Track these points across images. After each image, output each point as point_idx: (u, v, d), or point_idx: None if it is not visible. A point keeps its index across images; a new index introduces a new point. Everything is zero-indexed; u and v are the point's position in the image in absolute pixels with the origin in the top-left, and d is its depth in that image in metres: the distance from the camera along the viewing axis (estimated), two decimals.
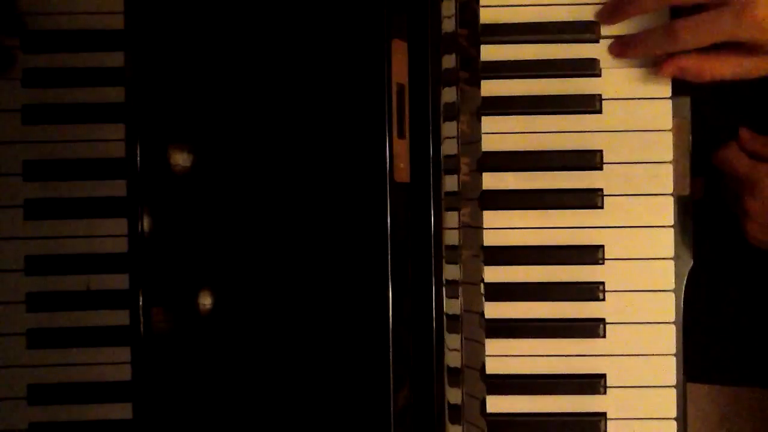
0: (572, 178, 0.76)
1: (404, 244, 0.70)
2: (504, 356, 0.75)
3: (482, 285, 0.75)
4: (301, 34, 0.69)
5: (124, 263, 0.73)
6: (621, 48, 0.75)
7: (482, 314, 0.75)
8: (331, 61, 0.69)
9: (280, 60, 0.69)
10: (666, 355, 0.75)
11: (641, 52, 0.74)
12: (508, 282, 0.76)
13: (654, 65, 0.74)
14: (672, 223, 0.75)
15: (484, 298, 0.75)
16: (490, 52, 0.76)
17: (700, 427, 0.94)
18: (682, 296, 0.75)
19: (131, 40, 0.73)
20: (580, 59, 0.76)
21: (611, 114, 0.75)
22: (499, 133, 0.76)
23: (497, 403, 0.75)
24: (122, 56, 0.74)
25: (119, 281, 0.74)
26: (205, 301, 0.69)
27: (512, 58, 0.76)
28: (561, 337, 0.75)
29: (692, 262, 0.75)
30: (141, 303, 0.70)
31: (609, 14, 0.75)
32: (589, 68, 0.76)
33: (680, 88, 0.75)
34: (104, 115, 0.74)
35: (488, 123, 0.76)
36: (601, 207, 0.75)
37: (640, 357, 0.75)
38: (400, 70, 0.69)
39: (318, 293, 0.69)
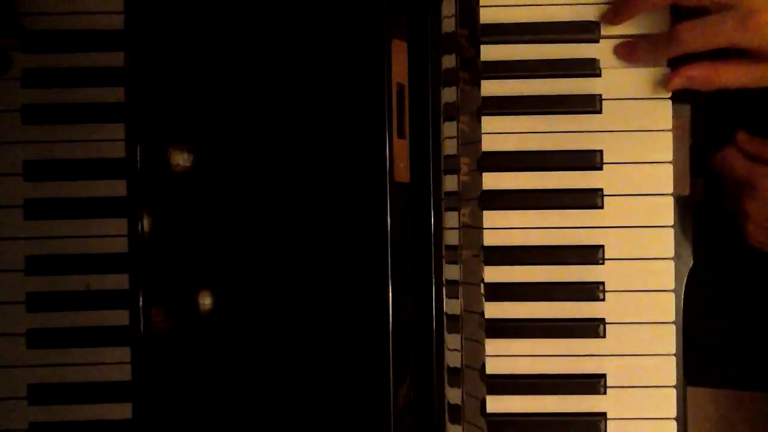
0: (572, 178, 0.76)
1: (404, 244, 0.70)
2: (504, 356, 0.75)
3: (482, 285, 0.75)
4: (301, 34, 0.69)
5: (124, 263, 0.73)
6: (627, 53, 0.75)
7: (482, 314, 0.75)
8: (331, 61, 0.69)
9: (280, 60, 0.70)
10: (666, 355, 0.75)
11: (646, 57, 0.74)
12: (508, 282, 0.76)
13: (656, 65, 0.75)
14: (672, 223, 0.75)
15: (484, 298, 0.75)
16: (490, 52, 0.76)
17: (700, 427, 0.94)
18: (682, 296, 0.75)
19: (131, 40, 0.73)
20: (580, 59, 0.76)
21: (611, 114, 0.75)
22: (499, 133, 0.76)
23: (497, 403, 0.75)
24: (122, 56, 0.74)
25: (119, 281, 0.74)
26: (205, 301, 0.69)
27: (512, 58, 0.76)
28: (561, 337, 0.75)
29: (692, 262, 0.75)
30: (141, 303, 0.70)
31: (615, 13, 0.75)
32: (589, 68, 0.76)
33: (680, 96, 0.75)
34: (104, 115, 0.74)
35: (488, 123, 0.76)
36: (601, 207, 0.75)
37: (640, 357, 0.75)
38: (400, 70, 0.69)
39: (318, 293, 0.69)
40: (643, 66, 0.75)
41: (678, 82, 0.73)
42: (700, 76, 0.73)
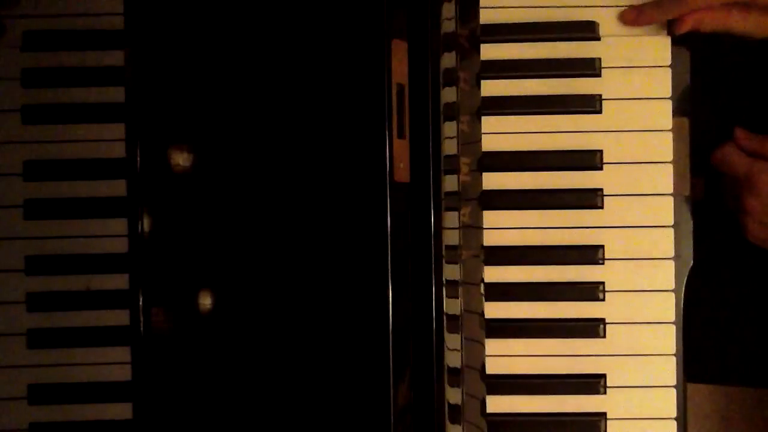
0: (572, 178, 0.76)
1: (404, 244, 0.70)
2: (504, 356, 0.75)
3: (482, 285, 0.75)
4: (301, 34, 0.69)
5: (124, 263, 0.73)
6: (635, 15, 0.75)
7: (482, 314, 0.75)
8: (332, 61, 0.69)
9: (280, 60, 0.70)
10: (666, 355, 0.75)
11: (656, 17, 0.74)
12: (508, 282, 0.76)
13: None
14: (672, 223, 0.75)
15: (484, 298, 0.75)
16: (490, 52, 0.76)
17: (700, 427, 0.94)
18: (682, 296, 0.75)
19: (131, 40, 0.73)
20: (580, 59, 0.76)
21: (611, 114, 0.75)
22: (499, 133, 0.76)
23: (497, 403, 0.75)
24: (122, 56, 0.74)
25: (119, 281, 0.74)
26: (205, 301, 0.69)
27: (512, 58, 0.76)
28: (561, 337, 0.75)
29: (692, 262, 0.75)
30: (141, 303, 0.70)
31: (638, 14, 0.75)
32: (589, 68, 0.76)
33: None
34: (104, 115, 0.74)
35: (488, 123, 0.76)
36: (601, 207, 0.75)
37: (640, 357, 0.75)
38: (400, 70, 0.69)
39: (318, 293, 0.69)
40: (641, 64, 0.75)
41: (686, 29, 0.74)
42: (699, 23, 0.73)
